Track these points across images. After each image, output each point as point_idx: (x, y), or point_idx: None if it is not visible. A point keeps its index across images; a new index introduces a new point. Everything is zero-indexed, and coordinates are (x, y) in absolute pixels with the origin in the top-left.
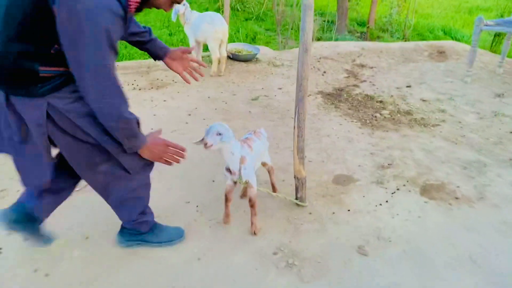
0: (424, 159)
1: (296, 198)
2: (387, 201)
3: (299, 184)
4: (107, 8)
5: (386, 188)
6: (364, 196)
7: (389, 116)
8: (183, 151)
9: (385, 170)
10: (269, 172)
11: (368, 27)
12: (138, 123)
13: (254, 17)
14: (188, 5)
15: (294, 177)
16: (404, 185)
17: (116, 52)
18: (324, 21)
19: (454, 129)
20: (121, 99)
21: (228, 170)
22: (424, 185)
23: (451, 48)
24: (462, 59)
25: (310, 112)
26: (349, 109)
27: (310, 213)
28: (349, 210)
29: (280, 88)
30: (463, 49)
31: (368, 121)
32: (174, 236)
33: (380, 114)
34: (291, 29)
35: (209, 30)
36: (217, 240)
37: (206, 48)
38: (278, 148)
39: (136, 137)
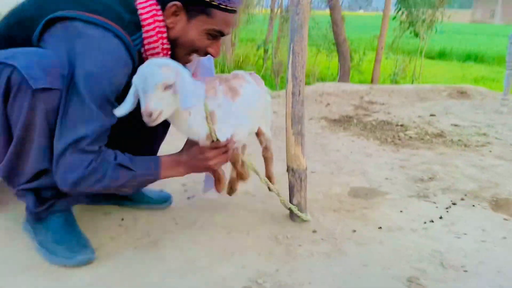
0: (479, 174)
1: (290, 211)
2: (441, 217)
3: (296, 182)
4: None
5: (434, 203)
6: (401, 211)
7: (416, 136)
8: (225, 147)
9: (426, 183)
10: (264, 158)
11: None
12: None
13: None
14: None
15: (287, 170)
16: (462, 199)
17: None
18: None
19: (507, 150)
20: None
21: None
22: (495, 200)
23: (473, 89)
24: (487, 99)
25: (312, 131)
26: (362, 130)
27: (315, 231)
28: (380, 228)
29: (275, 112)
30: (486, 90)
31: (389, 140)
32: (65, 250)
33: (404, 134)
34: None
35: None
36: (144, 266)
37: None
38: None
39: (143, 176)
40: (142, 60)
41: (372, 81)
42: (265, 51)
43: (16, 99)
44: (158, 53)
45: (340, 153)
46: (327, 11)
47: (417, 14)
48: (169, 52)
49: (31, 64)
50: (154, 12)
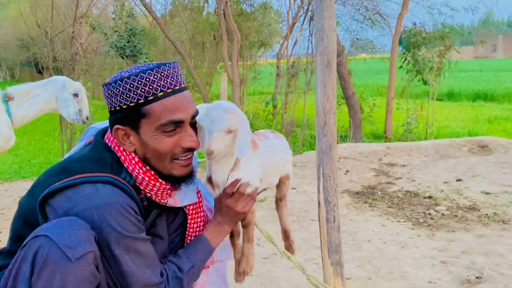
0: None
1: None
2: None
3: None
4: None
5: None
6: None
7: (449, 212)
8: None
9: (474, 286)
10: (281, 208)
11: (386, 137)
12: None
13: None
14: None
15: None
16: None
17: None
18: (337, 136)
19: None
20: None
21: (210, 180)
22: None
23: (494, 142)
24: (511, 152)
25: None
26: (390, 207)
27: None
28: None
29: (294, 188)
30: (508, 142)
31: (421, 220)
32: None
33: (435, 211)
34: (303, 145)
35: None
36: None
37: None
38: None
39: (205, 259)
40: (139, 192)
41: (385, 132)
42: (274, 106)
43: (44, 271)
44: (148, 183)
45: (372, 245)
46: None
47: (424, 62)
48: (152, 172)
49: (63, 232)
50: (120, 148)
